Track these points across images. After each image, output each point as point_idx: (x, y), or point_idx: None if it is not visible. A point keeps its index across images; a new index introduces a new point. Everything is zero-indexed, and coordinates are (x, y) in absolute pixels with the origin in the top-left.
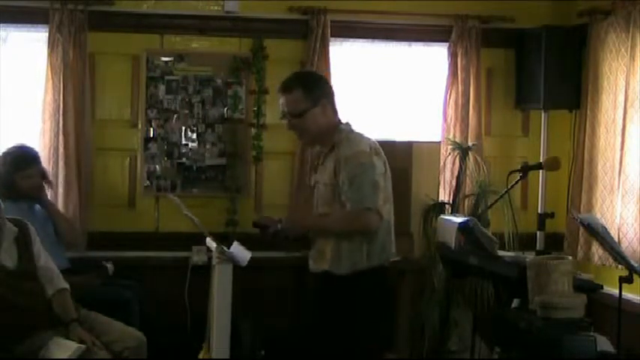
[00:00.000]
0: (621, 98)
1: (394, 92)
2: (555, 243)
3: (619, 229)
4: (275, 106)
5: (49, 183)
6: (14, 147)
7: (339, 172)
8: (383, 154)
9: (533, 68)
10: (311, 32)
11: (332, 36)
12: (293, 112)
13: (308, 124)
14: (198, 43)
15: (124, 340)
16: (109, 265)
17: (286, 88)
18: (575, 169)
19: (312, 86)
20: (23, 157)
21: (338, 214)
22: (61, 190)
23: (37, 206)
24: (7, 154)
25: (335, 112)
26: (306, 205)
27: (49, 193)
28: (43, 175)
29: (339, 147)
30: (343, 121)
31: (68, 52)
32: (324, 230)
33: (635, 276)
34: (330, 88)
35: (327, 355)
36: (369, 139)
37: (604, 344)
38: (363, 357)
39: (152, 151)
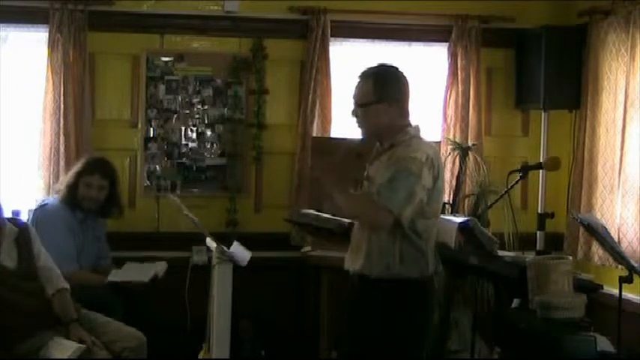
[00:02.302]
0: (621, 98)
1: None
2: (555, 243)
3: (619, 229)
4: (275, 106)
5: (118, 209)
6: (97, 155)
7: (388, 168)
8: (439, 165)
9: (533, 68)
10: (311, 32)
11: (332, 36)
12: (358, 100)
13: (367, 117)
14: (198, 43)
15: (124, 340)
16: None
17: (361, 75)
18: (575, 169)
19: (384, 82)
20: (93, 163)
21: (359, 197)
22: None
23: (95, 221)
24: (87, 158)
25: (403, 114)
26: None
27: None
28: (108, 194)
29: (397, 147)
30: (413, 124)
31: (68, 52)
32: (338, 201)
33: (635, 276)
34: (404, 89)
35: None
36: (433, 147)
37: (604, 344)
38: None
39: (152, 151)
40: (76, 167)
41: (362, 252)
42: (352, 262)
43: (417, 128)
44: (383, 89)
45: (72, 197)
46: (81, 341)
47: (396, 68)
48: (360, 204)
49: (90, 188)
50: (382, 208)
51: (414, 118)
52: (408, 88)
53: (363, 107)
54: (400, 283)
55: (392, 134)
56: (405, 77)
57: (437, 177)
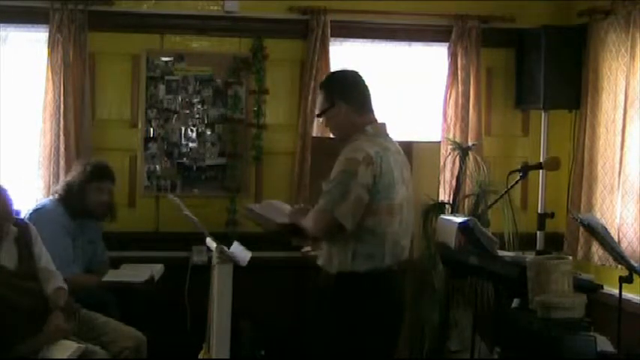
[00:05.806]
0: (621, 98)
1: (394, 92)
2: (555, 243)
3: (619, 229)
4: (275, 106)
5: (112, 213)
6: (96, 160)
7: (332, 170)
8: (384, 163)
9: (533, 68)
10: (311, 32)
11: (332, 36)
12: (317, 111)
13: (329, 123)
14: (198, 43)
15: (124, 340)
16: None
17: (319, 87)
18: (575, 169)
19: (330, 87)
20: (102, 169)
21: (309, 215)
22: None
23: (90, 225)
24: (87, 164)
25: (360, 113)
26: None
27: None
28: (111, 199)
29: (343, 147)
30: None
31: (68, 52)
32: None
33: (635, 276)
34: (357, 88)
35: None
36: (380, 145)
37: (604, 344)
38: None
39: (152, 151)
40: (80, 174)
41: (325, 249)
42: (320, 257)
43: (378, 126)
44: (334, 93)
45: (80, 205)
46: (77, 337)
47: (348, 71)
48: (310, 221)
49: (102, 193)
50: (324, 213)
51: (413, 118)
52: (362, 88)
53: (322, 115)
54: (352, 276)
55: (353, 133)
56: (358, 77)
57: (379, 174)
